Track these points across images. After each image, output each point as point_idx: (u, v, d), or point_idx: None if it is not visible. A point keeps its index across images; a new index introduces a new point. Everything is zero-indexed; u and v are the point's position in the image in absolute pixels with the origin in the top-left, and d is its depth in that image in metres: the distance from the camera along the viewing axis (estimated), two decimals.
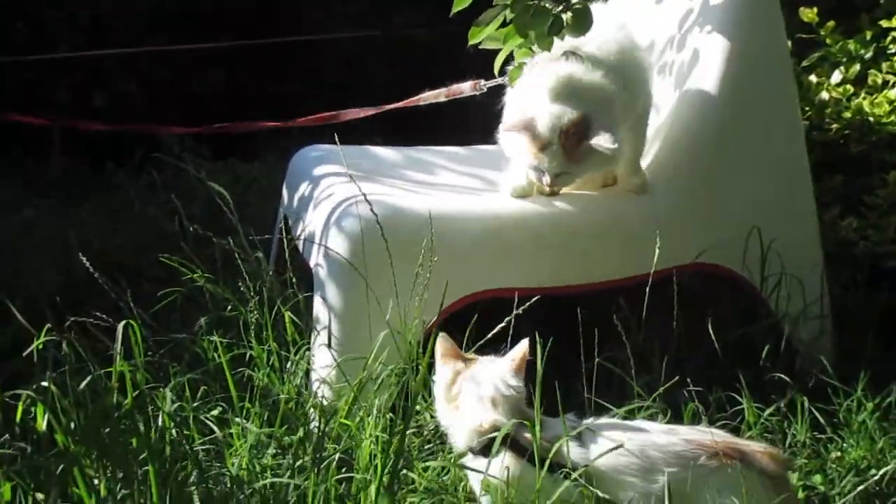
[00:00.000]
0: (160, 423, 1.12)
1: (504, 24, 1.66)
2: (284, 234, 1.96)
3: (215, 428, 1.23)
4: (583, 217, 1.75)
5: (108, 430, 1.07)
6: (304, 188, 2.06)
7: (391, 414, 1.37)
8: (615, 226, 1.78)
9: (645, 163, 1.88)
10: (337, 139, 1.80)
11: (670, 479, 1.15)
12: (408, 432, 1.32)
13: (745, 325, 1.78)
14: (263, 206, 2.62)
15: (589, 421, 1.26)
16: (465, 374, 1.29)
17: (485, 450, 1.20)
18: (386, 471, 1.07)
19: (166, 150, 3.24)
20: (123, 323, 1.16)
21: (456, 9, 1.62)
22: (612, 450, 1.17)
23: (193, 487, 1.00)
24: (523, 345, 1.33)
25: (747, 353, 1.72)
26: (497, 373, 1.28)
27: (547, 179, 1.64)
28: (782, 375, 1.51)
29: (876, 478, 1.38)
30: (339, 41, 3.97)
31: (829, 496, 1.39)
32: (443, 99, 1.98)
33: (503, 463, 1.18)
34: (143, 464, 1.06)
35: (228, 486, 1.00)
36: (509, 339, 1.40)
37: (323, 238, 1.68)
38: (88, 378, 1.16)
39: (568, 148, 1.60)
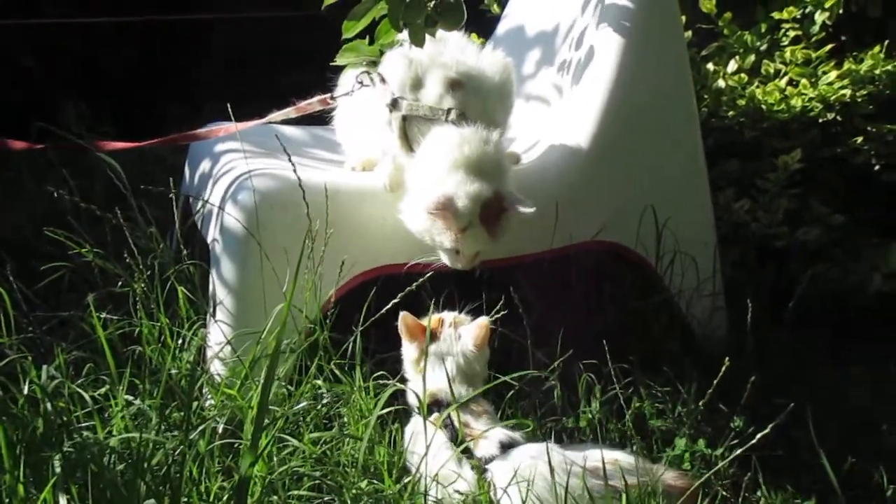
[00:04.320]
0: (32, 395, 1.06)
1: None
2: (185, 215, 1.90)
3: (88, 399, 1.19)
4: None
5: None
6: (204, 166, 2.01)
7: (288, 386, 1.35)
8: None
9: (546, 144, 1.91)
10: (233, 115, 1.75)
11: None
12: (300, 405, 1.31)
13: (639, 300, 1.83)
14: (170, 185, 2.53)
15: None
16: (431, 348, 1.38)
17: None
18: (269, 442, 1.05)
19: (65, 126, 3.10)
20: None
21: (327, 2, 1.61)
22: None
23: (54, 453, 0.96)
24: (483, 322, 1.43)
25: (643, 328, 1.77)
26: (458, 349, 1.41)
27: (464, 262, 1.57)
28: (674, 349, 1.56)
29: (754, 441, 1.44)
30: (256, 20, 3.88)
31: (713, 458, 1.45)
32: (293, 115, 1.90)
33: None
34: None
35: (96, 453, 0.96)
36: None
37: (219, 213, 1.64)
38: None
39: (488, 226, 1.54)
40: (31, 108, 3.02)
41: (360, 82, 1.76)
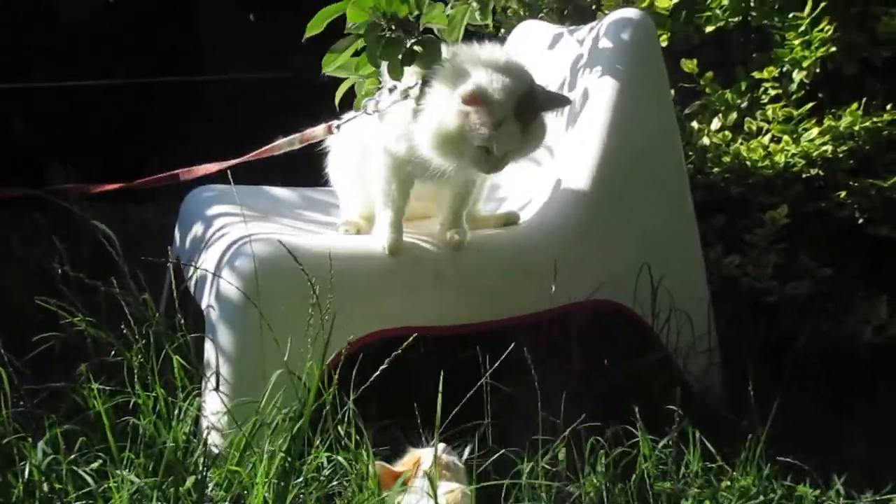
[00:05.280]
0: (28, 477, 1.03)
1: (357, 54, 1.69)
2: (175, 279, 1.89)
3: (90, 480, 1.15)
4: (479, 255, 1.77)
5: None
6: (196, 229, 2.00)
7: (287, 456, 1.32)
8: (511, 264, 1.81)
9: (541, 202, 1.93)
10: (231, 180, 1.75)
11: None
12: (303, 477, 1.28)
13: (638, 360, 1.83)
14: (156, 249, 2.52)
15: None
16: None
17: None
18: None
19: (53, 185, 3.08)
20: None
21: (308, 34, 1.64)
22: None
23: None
24: (458, 490, 1.27)
25: (641, 387, 1.76)
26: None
27: (493, 163, 1.51)
28: (674, 408, 1.55)
29: (760, 501, 1.44)
30: (242, 80, 3.93)
31: None
32: (297, 146, 1.90)
33: None
34: None
35: None
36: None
37: (215, 279, 1.62)
38: None
39: (523, 123, 1.49)
40: (18, 170, 3.02)
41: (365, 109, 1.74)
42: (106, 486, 1.23)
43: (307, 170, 2.53)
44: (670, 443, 1.55)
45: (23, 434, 1.09)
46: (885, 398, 1.97)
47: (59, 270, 1.77)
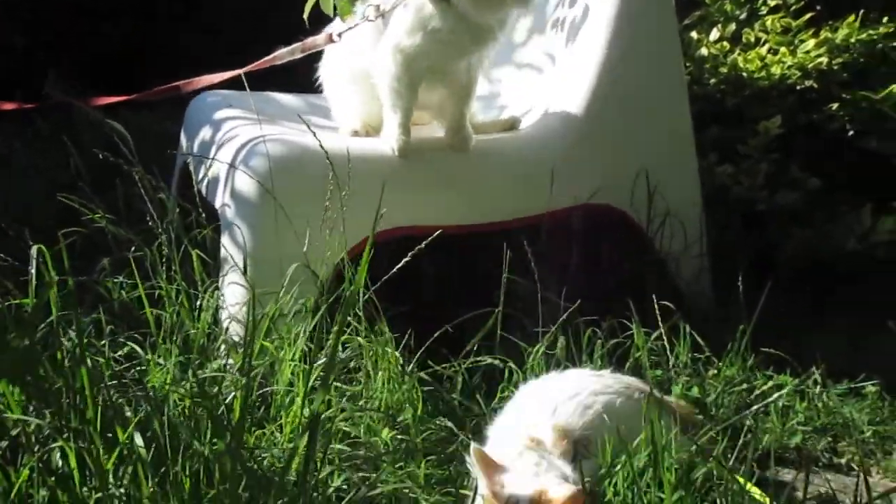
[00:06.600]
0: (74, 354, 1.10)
1: None
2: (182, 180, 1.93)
3: (138, 348, 1.23)
4: (484, 159, 1.82)
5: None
6: (204, 132, 2.03)
7: (313, 336, 1.40)
8: (514, 168, 1.86)
9: (542, 111, 1.97)
10: (245, 83, 1.77)
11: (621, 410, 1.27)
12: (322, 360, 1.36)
13: (633, 261, 1.91)
14: (157, 155, 2.54)
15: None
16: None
17: None
18: (309, 384, 1.11)
19: (47, 97, 3.08)
20: (35, 248, 1.13)
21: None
22: None
23: (122, 400, 1.01)
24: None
25: (635, 286, 1.85)
26: None
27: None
28: (667, 304, 1.64)
29: (744, 388, 1.55)
30: None
31: (707, 404, 1.54)
32: (298, 55, 1.91)
33: None
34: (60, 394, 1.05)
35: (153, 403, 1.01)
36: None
37: (229, 178, 1.67)
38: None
39: None
40: (16, 80, 3.00)
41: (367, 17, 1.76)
42: (139, 368, 1.31)
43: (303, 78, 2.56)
44: (662, 335, 1.64)
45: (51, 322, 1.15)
46: (864, 302, 2.07)
47: (75, 170, 1.82)
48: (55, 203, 1.74)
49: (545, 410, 1.28)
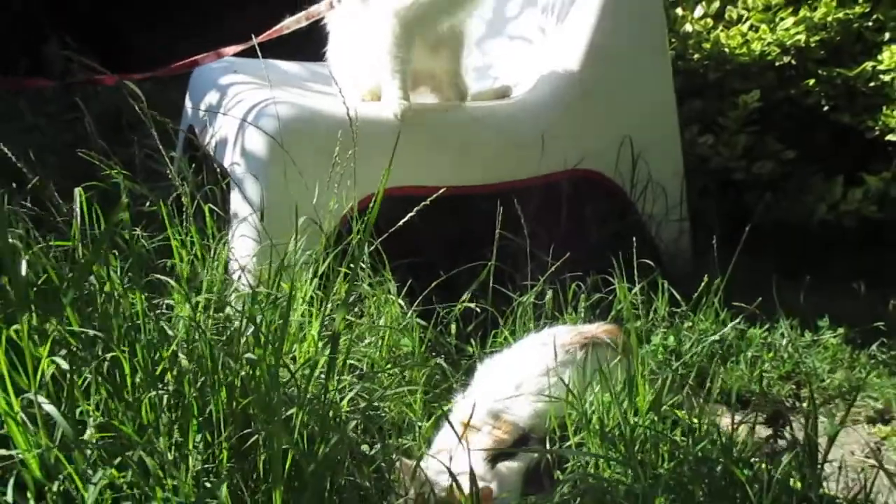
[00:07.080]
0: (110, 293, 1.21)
1: None
2: (182, 144, 2.01)
3: (171, 282, 1.34)
4: (477, 124, 1.93)
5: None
6: (210, 97, 2.12)
7: (321, 281, 1.51)
8: (506, 134, 1.97)
9: (532, 81, 2.08)
10: (258, 48, 1.86)
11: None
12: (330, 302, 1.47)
13: (616, 223, 2.04)
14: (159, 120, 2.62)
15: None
16: None
17: None
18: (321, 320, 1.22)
19: (48, 64, 3.15)
20: (79, 189, 1.23)
21: None
22: None
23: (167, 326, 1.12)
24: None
25: (618, 246, 1.97)
26: None
27: None
28: (647, 261, 1.76)
29: (716, 338, 1.68)
30: None
31: (681, 352, 1.68)
32: (304, 23, 1.99)
33: None
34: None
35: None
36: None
37: (238, 138, 1.77)
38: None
39: None
40: (18, 46, 3.07)
41: None
42: (158, 312, 1.41)
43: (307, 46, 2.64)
44: (642, 290, 1.77)
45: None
46: (831, 267, 2.21)
47: (88, 130, 1.90)
48: (68, 161, 1.83)
49: (489, 395, 1.35)
